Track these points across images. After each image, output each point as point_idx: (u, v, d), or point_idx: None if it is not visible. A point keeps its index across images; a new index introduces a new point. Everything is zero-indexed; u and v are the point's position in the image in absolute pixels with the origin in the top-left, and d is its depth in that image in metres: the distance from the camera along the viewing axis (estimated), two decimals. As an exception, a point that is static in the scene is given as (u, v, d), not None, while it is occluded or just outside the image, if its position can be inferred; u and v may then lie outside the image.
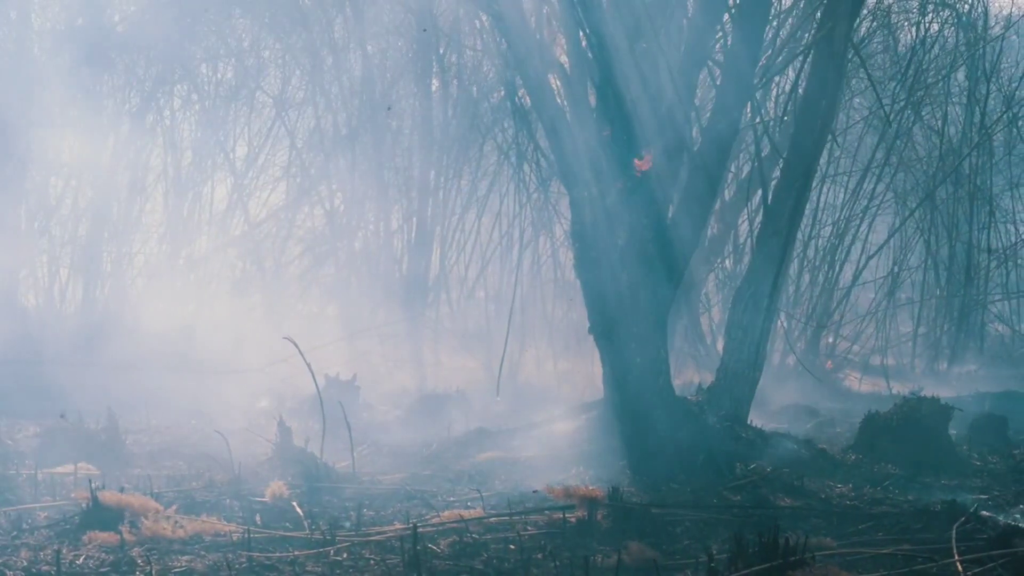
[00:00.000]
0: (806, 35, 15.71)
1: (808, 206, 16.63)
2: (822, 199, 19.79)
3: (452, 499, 9.78)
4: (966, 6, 20.74)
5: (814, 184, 16.85)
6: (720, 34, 12.81)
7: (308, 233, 22.31)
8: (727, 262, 20.55)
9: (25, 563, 7.37)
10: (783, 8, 17.45)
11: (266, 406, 14.72)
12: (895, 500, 10.15)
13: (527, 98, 11.76)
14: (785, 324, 17.34)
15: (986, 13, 21.14)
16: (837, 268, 19.66)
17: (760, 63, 13.06)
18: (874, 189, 19.90)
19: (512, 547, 8.01)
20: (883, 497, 10.23)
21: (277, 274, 21.30)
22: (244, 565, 7.46)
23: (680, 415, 10.69)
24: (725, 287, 19.64)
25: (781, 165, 13.26)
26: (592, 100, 10.89)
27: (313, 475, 10.09)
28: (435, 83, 21.12)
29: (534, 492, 9.57)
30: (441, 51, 20.95)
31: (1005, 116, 21.11)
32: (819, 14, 12.98)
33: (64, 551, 7.57)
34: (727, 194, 20.00)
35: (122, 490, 8.66)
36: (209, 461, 10.38)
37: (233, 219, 21.56)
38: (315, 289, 21.81)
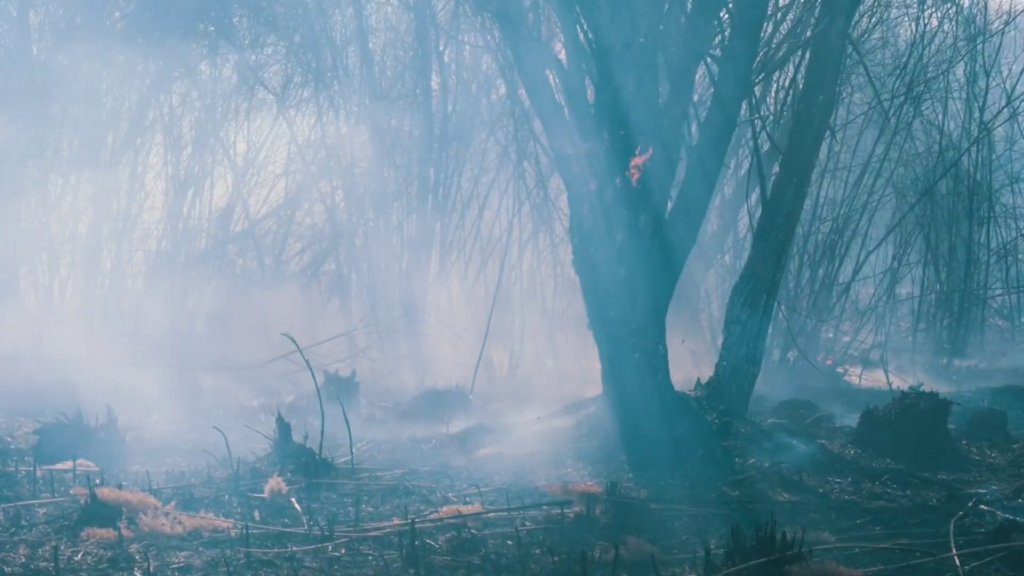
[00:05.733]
0: (805, 31, 15.70)
1: (807, 201, 16.62)
2: (821, 194, 19.77)
3: (451, 495, 9.78)
4: (966, 0, 20.75)
5: (813, 179, 16.84)
6: (718, 29, 12.79)
7: (308, 230, 22.32)
8: (727, 258, 20.56)
9: (23, 559, 7.38)
10: (781, 3, 17.42)
11: (265, 402, 14.73)
12: (893, 495, 10.15)
13: (526, 96, 11.76)
14: (785, 319, 17.32)
15: (986, 8, 21.14)
16: (836, 263, 19.65)
17: (758, 58, 13.05)
18: (873, 184, 19.88)
19: (510, 543, 8.02)
20: (881, 492, 10.24)
21: (277, 271, 21.31)
22: (242, 561, 7.47)
23: (678, 411, 10.69)
24: (724, 283, 19.64)
25: (780, 160, 13.26)
26: (590, 96, 10.89)
27: (312, 471, 10.10)
28: (435, 80, 21.13)
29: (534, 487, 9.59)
30: (441, 48, 20.96)
31: (1005, 111, 21.11)
32: (817, 9, 12.98)
33: (62, 547, 7.58)
34: (726, 190, 20.00)
35: (120, 486, 8.67)
36: (208, 457, 10.38)
37: (234, 216, 21.56)
38: (315, 286, 21.82)
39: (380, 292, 20.25)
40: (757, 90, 15.88)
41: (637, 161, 10.39)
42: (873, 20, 19.79)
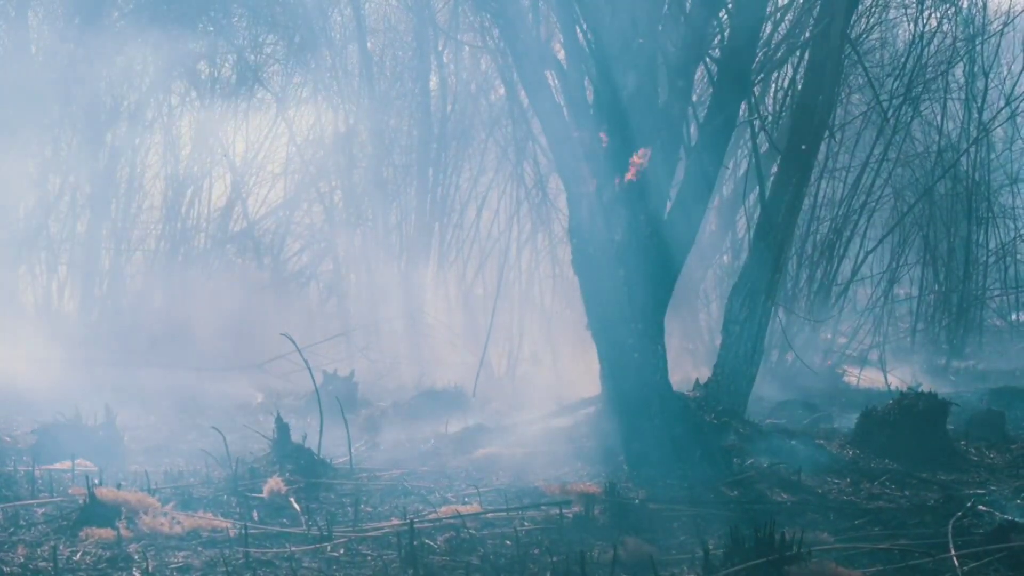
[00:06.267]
0: (804, 31, 15.71)
1: (806, 201, 16.62)
2: (820, 194, 19.78)
3: (449, 495, 9.78)
4: (964, 1, 20.76)
5: (812, 179, 16.85)
6: (718, 29, 12.81)
7: (307, 230, 22.33)
8: (725, 258, 20.56)
9: (22, 559, 7.38)
10: (781, 3, 17.44)
11: (264, 402, 14.73)
12: (892, 495, 10.16)
13: (525, 96, 11.75)
14: (783, 320, 17.33)
15: (985, 8, 21.16)
16: (835, 263, 19.65)
17: (757, 59, 13.06)
18: (872, 184, 19.88)
19: (509, 543, 8.02)
20: (880, 492, 10.24)
21: (276, 270, 21.31)
22: (241, 561, 7.46)
23: (677, 411, 10.69)
24: (723, 283, 19.64)
25: (778, 161, 13.27)
26: (589, 97, 10.89)
27: (310, 471, 10.09)
28: (433, 80, 21.14)
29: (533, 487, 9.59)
30: (440, 48, 20.97)
31: (1004, 111, 21.12)
32: (816, 10, 12.99)
33: (61, 547, 7.58)
34: (725, 190, 20.01)
35: (119, 486, 8.66)
36: (206, 457, 10.38)
37: (232, 216, 21.56)
38: (314, 285, 21.84)
39: (379, 292, 20.25)
40: (756, 90, 15.90)
41: (636, 161, 10.38)
42: (872, 20, 19.80)
